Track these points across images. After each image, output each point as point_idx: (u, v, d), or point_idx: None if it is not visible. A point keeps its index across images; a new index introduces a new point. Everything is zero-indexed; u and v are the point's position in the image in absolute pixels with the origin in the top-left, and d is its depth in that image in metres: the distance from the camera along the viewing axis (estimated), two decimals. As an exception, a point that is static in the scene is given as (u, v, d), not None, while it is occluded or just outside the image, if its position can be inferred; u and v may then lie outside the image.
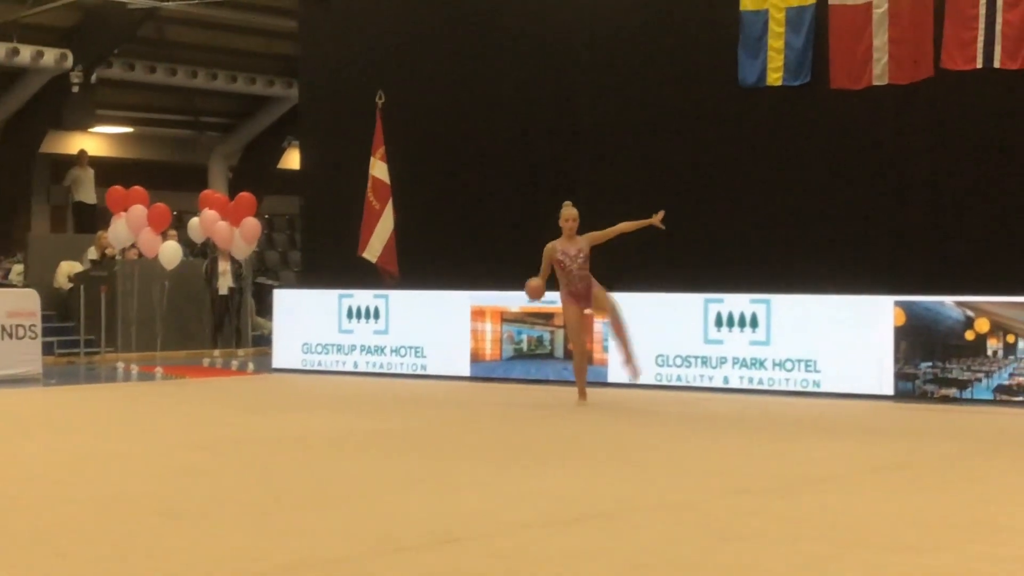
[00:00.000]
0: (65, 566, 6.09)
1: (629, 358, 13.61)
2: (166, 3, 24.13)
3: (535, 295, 13.66)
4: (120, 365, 19.16)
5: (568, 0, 17.16)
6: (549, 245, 13.50)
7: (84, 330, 20.68)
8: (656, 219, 13.64)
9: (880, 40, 14.70)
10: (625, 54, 16.63)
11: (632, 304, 15.54)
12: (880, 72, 14.72)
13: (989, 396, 13.63)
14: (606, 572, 5.95)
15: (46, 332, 18.37)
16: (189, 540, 6.68)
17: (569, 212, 13.54)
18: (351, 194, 18.00)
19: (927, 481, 8.81)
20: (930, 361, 13.94)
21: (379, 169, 17.74)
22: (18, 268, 22.56)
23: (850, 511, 7.55)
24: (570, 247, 13.39)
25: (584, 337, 13.93)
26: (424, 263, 17.72)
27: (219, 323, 22.12)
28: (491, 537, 6.77)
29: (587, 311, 13.69)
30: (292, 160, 28.31)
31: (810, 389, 14.48)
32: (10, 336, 16.81)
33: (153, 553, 6.35)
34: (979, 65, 14.16)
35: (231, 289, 21.89)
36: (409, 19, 18.50)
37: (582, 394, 13.61)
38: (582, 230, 13.66)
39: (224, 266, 21.73)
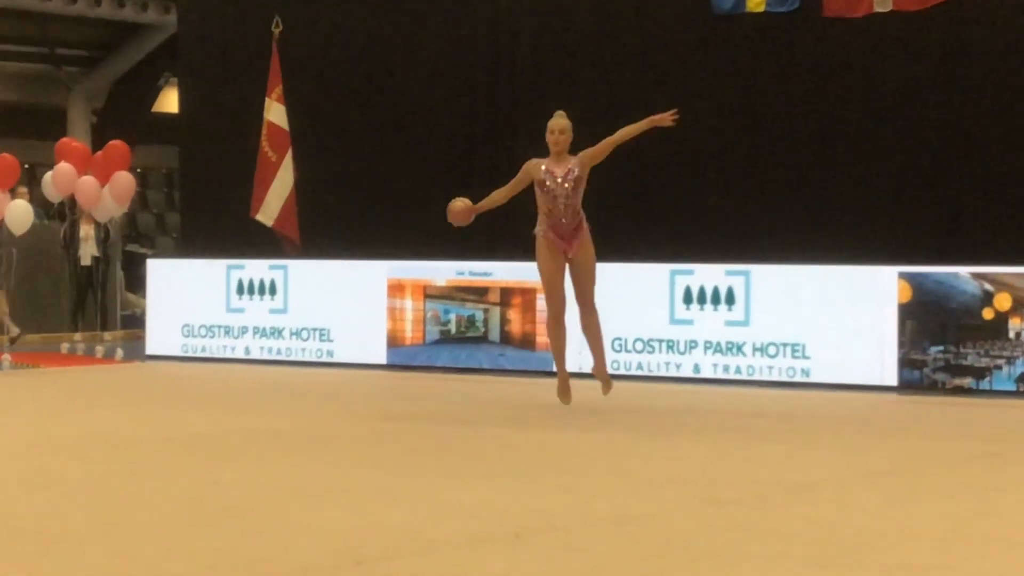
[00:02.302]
0: None
1: (601, 367, 12.94)
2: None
3: (459, 218, 12.81)
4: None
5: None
6: (531, 161, 12.63)
7: (-86, 309, 20.52)
8: (667, 117, 12.72)
9: (883, -42, 14.76)
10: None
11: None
12: (882, -4, 14.78)
13: (1011, 387, 13.76)
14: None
15: None
16: (37, 565, 6.66)
17: (559, 123, 12.54)
18: (242, 143, 17.94)
19: (934, 489, 8.88)
20: (941, 345, 14.04)
21: (276, 113, 17.68)
22: None
23: (842, 524, 7.59)
24: (558, 166, 12.43)
25: (563, 301, 12.66)
26: (331, 227, 17.67)
27: (80, 300, 22.02)
28: (409, 557, 6.77)
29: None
30: (170, 102, 28.15)
31: (797, 379, 14.58)
32: None
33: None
34: (1002, -13, 14.26)
35: (95, 259, 21.78)
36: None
37: (565, 390, 12.86)
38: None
39: (87, 231, 21.61)
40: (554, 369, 14.97)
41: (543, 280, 12.64)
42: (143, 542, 7.10)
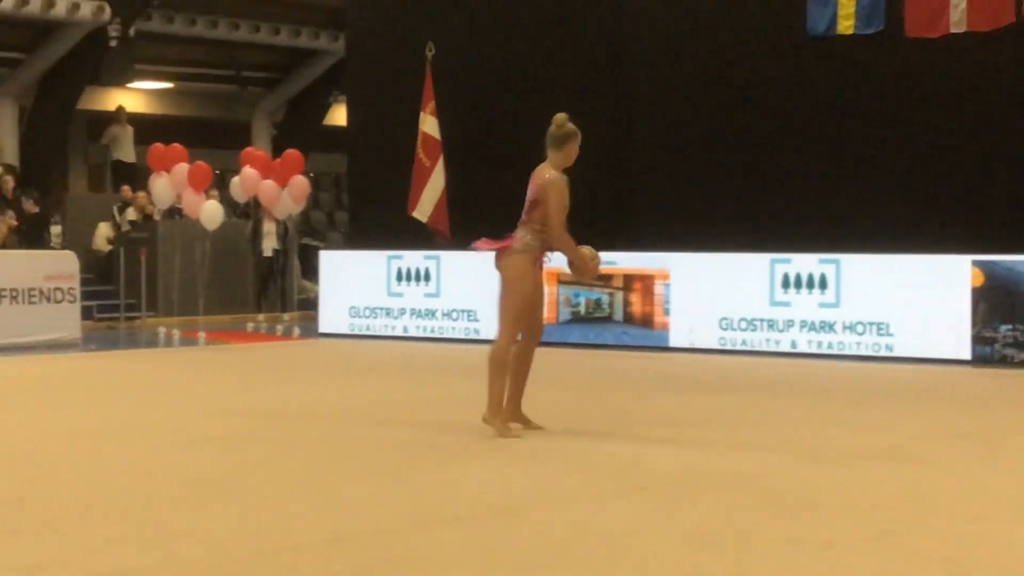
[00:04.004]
0: (87, 534, 6.18)
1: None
2: (206, -48, 24.21)
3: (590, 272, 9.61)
4: (162, 330, 19.32)
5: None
6: (559, 175, 9.82)
7: (124, 293, 20.84)
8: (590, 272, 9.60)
9: (958, -16, 14.55)
10: (687, 4, 16.55)
11: (694, 265, 15.59)
12: (958, 19, 14.56)
13: (1073, 361, 13.55)
14: (660, 545, 5.98)
15: (85, 296, 18.50)
16: (217, 513, 6.75)
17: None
18: (400, 151, 18.01)
19: (1006, 451, 8.78)
20: (1010, 324, 13.84)
21: (429, 124, 17.74)
22: (56, 229, 22.71)
23: (924, 481, 7.53)
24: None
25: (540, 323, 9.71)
26: (476, 222, 17.61)
27: (263, 286, 22.28)
28: (546, 508, 6.80)
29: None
30: (338, 116, 28.32)
31: (882, 354, 14.42)
32: (48, 300, 16.96)
33: (175, 526, 6.42)
34: (1066, 9, 14.03)
35: (276, 251, 22.03)
36: (460, -33, 18.49)
37: (503, 423, 9.15)
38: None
39: (269, 227, 21.87)
40: (671, 344, 14.94)
41: (527, 303, 9.37)
42: (319, 491, 7.19)
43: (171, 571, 5.60)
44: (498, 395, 9.13)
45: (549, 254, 9.39)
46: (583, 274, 9.57)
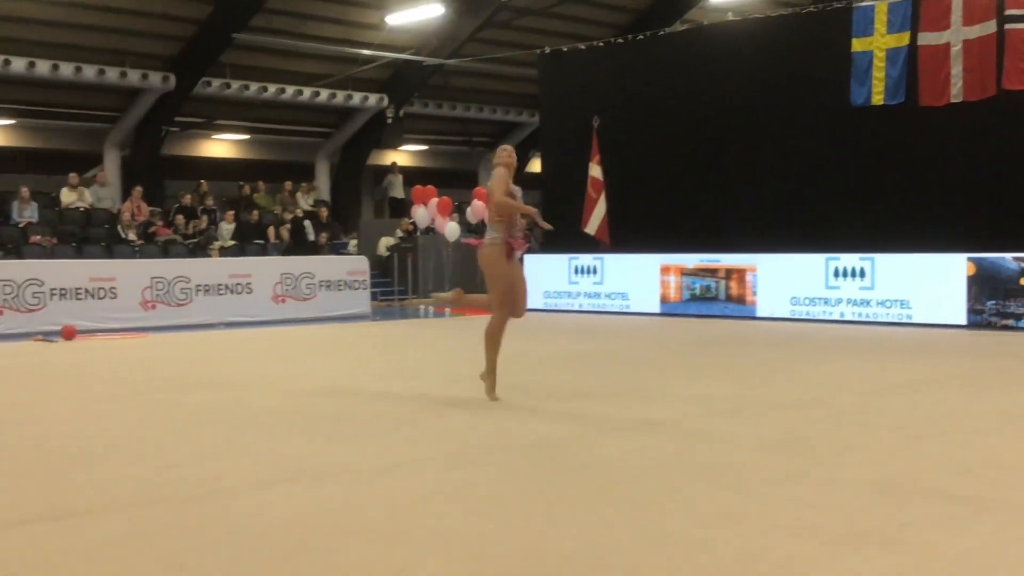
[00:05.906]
0: (382, 437, 6.34)
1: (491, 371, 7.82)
2: (449, 61, 24.54)
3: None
4: (421, 307, 19.66)
5: (727, 57, 16.88)
6: (507, 173, 7.67)
7: (397, 283, 21.26)
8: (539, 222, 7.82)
9: (956, 69, 14.14)
10: (767, 85, 16.32)
11: (774, 263, 15.37)
12: (956, 92, 14.17)
13: (1039, 325, 13.09)
14: (739, 449, 5.96)
15: (372, 285, 18.94)
16: (457, 424, 6.87)
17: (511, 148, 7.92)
18: (576, 188, 18.12)
19: (991, 385, 8.58)
20: (994, 300, 13.43)
21: (595, 171, 17.80)
22: (353, 242, 23.28)
23: (935, 406, 7.41)
24: (516, 189, 7.74)
25: (522, 306, 7.85)
26: (628, 235, 17.72)
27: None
28: (671, 423, 6.81)
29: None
30: (535, 165, 28.50)
31: (904, 321, 14.08)
32: (349, 288, 17.45)
33: (433, 432, 6.57)
34: (1032, 85, 13.58)
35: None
36: (615, 69, 18.45)
37: (491, 386, 7.80)
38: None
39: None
40: (758, 315, 14.71)
41: (508, 286, 7.70)
42: (527, 409, 7.24)
43: (420, 463, 5.70)
44: (492, 362, 7.74)
45: (521, 240, 7.64)
46: (532, 218, 7.65)
